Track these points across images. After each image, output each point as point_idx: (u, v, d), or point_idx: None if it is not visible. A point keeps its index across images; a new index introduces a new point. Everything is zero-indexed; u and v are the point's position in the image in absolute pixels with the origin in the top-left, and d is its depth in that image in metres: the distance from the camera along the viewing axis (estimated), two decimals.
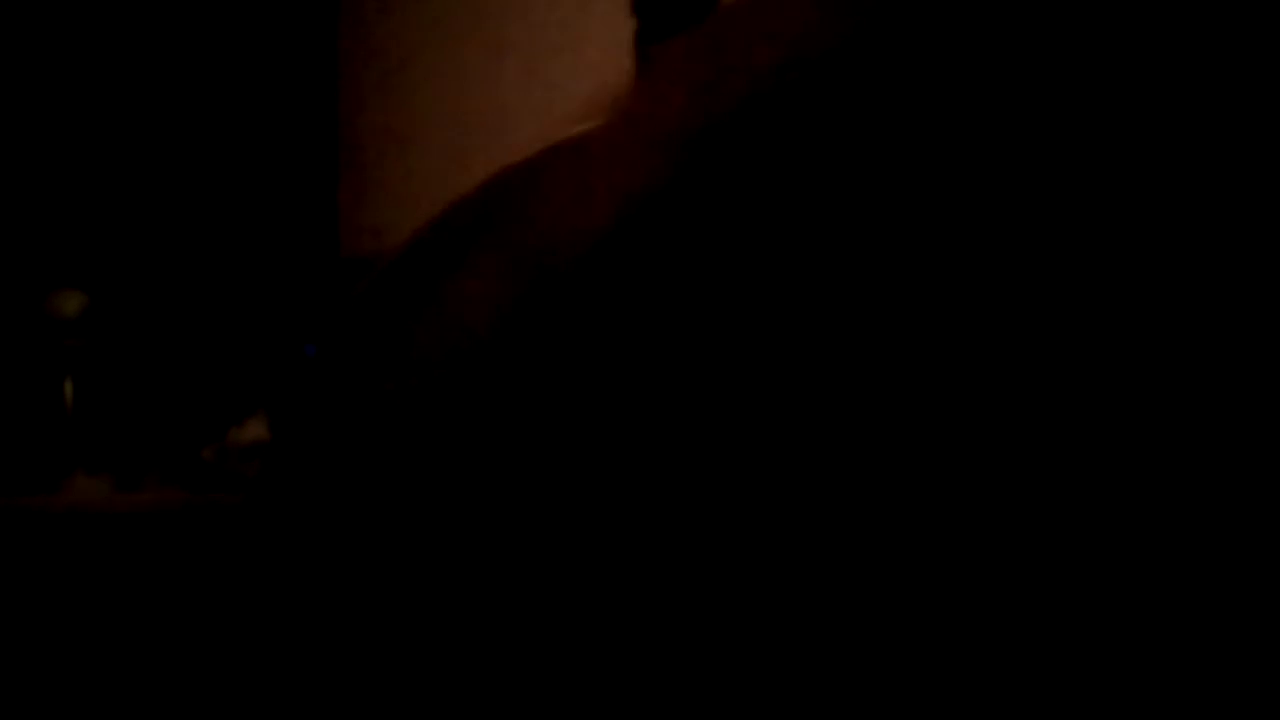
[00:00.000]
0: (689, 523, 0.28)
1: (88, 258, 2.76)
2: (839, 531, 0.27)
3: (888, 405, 0.27)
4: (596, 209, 0.32)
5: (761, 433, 0.28)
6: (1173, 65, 0.27)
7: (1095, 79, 0.27)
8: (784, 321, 0.28)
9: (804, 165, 0.29)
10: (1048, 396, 0.26)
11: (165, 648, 2.19)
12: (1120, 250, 0.27)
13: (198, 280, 2.93)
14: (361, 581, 0.32)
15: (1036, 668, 0.26)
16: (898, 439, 0.27)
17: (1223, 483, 0.26)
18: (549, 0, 2.85)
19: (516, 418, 0.31)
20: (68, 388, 2.57)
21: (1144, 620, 0.26)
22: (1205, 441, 0.26)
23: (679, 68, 0.35)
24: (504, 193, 0.36)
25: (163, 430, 2.72)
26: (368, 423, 0.34)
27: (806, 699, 0.27)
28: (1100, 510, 0.26)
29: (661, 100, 0.34)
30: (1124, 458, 0.26)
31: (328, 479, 0.34)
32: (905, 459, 0.27)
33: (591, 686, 0.28)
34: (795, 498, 0.28)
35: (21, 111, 2.73)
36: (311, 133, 3.18)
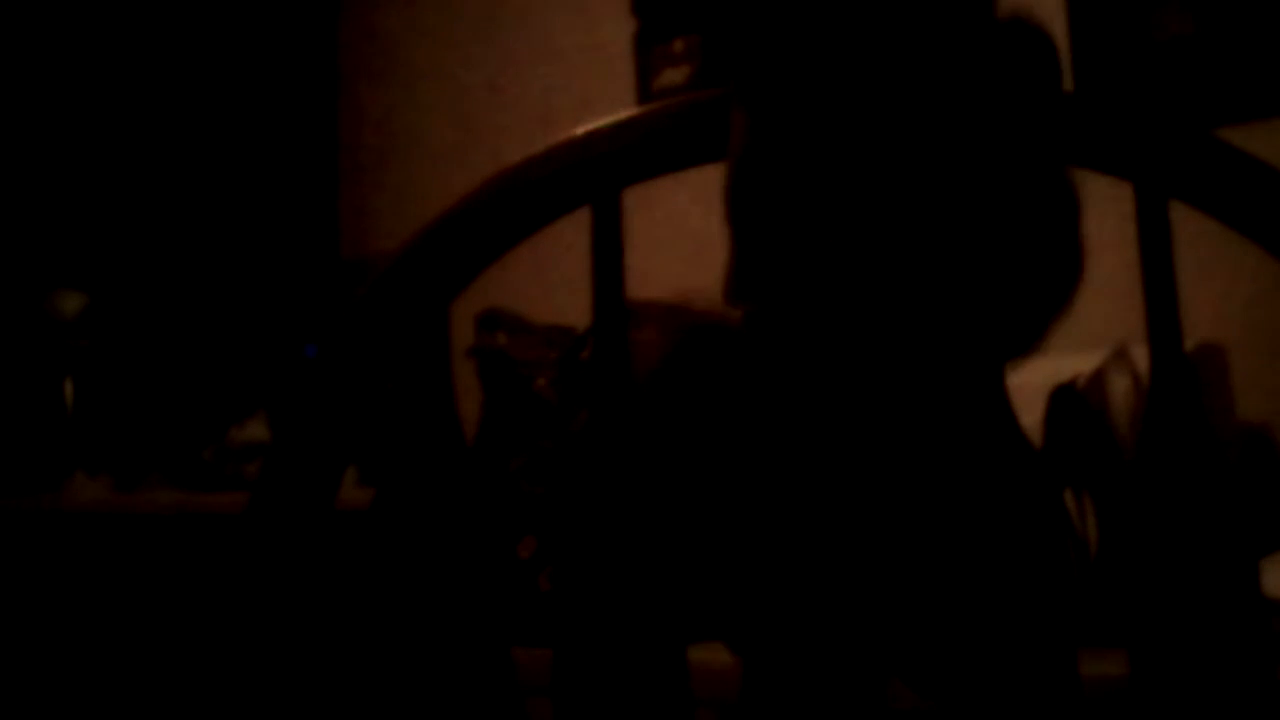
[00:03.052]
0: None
1: (88, 258, 2.76)
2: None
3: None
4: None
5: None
6: None
7: None
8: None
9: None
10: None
11: (165, 647, 2.19)
12: None
13: (198, 280, 2.93)
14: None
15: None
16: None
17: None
18: (549, 1, 2.85)
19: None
20: (68, 388, 2.57)
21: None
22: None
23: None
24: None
25: (163, 430, 2.72)
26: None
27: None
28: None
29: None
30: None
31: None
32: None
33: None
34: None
35: (22, 112, 2.73)
36: (311, 133, 3.18)
